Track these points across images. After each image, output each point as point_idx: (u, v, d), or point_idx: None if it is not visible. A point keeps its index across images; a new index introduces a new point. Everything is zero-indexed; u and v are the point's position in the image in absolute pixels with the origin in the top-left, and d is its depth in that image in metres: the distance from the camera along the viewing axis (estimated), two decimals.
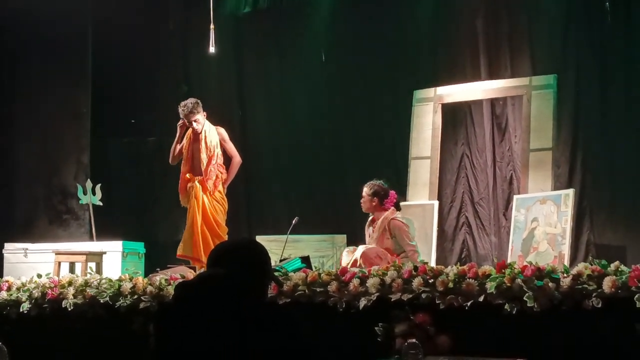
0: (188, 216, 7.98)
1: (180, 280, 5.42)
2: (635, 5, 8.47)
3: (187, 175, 8.00)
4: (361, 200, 7.59)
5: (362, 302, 5.18)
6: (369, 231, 7.62)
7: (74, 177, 9.99)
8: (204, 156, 7.89)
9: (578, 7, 8.77)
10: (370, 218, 7.65)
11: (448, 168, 9.31)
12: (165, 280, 6.11)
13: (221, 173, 7.98)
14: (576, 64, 8.75)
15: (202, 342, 2.73)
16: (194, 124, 7.90)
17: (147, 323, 5.76)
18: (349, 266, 6.75)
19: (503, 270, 4.91)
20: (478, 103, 9.17)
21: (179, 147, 8.08)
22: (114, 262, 8.41)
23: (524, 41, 9.05)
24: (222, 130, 8.11)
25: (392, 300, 5.09)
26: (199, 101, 7.97)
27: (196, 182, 7.91)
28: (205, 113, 7.99)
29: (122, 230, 9.23)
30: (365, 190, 7.55)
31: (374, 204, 7.51)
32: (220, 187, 8.00)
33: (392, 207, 7.52)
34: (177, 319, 2.82)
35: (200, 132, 7.94)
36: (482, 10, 9.24)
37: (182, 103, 7.96)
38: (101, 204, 9.03)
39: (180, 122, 8.04)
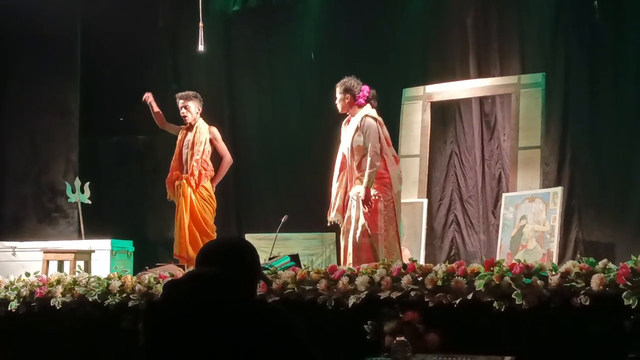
0: (176, 215, 7.98)
1: (169, 279, 5.42)
2: (624, 3, 8.51)
3: (175, 173, 8.03)
4: (335, 102, 7.22)
5: (351, 300, 5.18)
6: (344, 128, 7.26)
7: (62, 175, 9.97)
8: (188, 151, 7.94)
9: (567, 6, 8.81)
10: (347, 118, 7.28)
11: (437, 166, 9.33)
12: (154, 278, 6.10)
13: (205, 170, 7.99)
14: (565, 62, 8.78)
15: (191, 340, 2.73)
16: (183, 110, 7.95)
17: (136, 321, 5.75)
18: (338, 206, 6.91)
19: (492, 268, 4.91)
20: (467, 101, 9.19)
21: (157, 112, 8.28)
22: (102, 260, 8.40)
23: (513, 39, 9.08)
24: (215, 130, 8.14)
25: (381, 298, 5.09)
26: (199, 96, 8.09)
27: (184, 180, 7.93)
28: (200, 110, 8.03)
29: (111, 228, 9.22)
30: (337, 89, 7.19)
31: (347, 101, 7.12)
32: (207, 184, 8.00)
33: (368, 104, 7.12)
34: (166, 318, 2.82)
35: (193, 128, 7.98)
36: (472, 8, 9.27)
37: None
38: (90, 202, 9.01)
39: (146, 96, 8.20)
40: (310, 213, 9.57)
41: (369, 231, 6.77)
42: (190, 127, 8.05)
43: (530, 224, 7.92)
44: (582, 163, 8.65)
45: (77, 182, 8.92)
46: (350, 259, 6.82)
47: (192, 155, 7.94)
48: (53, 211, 9.97)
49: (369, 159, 6.83)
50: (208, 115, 8.39)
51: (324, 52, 10.05)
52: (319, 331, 5.12)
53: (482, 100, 9.13)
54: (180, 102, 8.02)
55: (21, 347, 6.28)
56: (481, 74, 9.09)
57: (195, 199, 7.92)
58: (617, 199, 8.40)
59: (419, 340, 4.76)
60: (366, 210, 6.76)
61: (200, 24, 8.39)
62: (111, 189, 10.53)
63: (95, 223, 9.11)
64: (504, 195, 8.43)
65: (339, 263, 7.92)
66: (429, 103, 9.05)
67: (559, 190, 7.95)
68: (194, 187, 7.91)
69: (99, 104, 10.46)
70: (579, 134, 8.68)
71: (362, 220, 6.80)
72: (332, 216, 7.16)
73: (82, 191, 8.86)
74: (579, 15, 8.73)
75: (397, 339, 4.21)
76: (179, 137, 8.13)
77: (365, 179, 6.77)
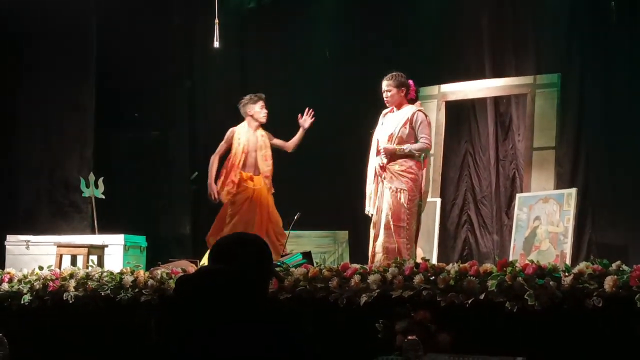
0: (243, 213, 7.99)
1: (181, 275, 5.43)
2: None
3: (248, 174, 8.04)
4: (386, 96, 7.09)
5: (363, 299, 5.18)
6: (383, 118, 7.23)
7: (77, 170, 9.97)
8: (267, 153, 8.13)
9: (583, 6, 8.76)
10: (387, 110, 7.23)
11: (451, 166, 9.31)
12: (167, 274, 6.12)
13: (271, 170, 8.15)
14: (580, 63, 8.75)
15: (202, 337, 2.73)
16: (264, 111, 8.14)
17: (148, 316, 5.76)
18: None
19: (504, 269, 4.91)
20: (482, 101, 9.17)
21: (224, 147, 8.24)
22: (115, 255, 8.41)
23: (529, 40, 9.06)
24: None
25: (393, 297, 5.09)
26: None
27: (263, 181, 8.07)
28: None
29: (124, 223, 9.23)
30: (389, 83, 7.08)
31: (402, 94, 7.05)
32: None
33: (418, 100, 7.18)
34: (178, 313, 2.82)
35: (256, 130, 8.13)
36: (487, 8, 9.25)
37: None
38: (104, 197, 9.04)
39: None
40: (323, 211, 9.58)
41: (392, 223, 6.78)
42: (255, 129, 8.16)
43: (543, 225, 7.90)
44: (597, 164, 8.62)
45: (92, 177, 8.95)
46: (378, 249, 6.83)
47: (265, 157, 8.11)
48: (67, 206, 9.99)
49: (420, 144, 6.89)
50: (222, 113, 8.41)
51: (338, 50, 10.04)
52: (330, 329, 5.12)
53: (497, 100, 9.11)
54: (260, 103, 8.14)
55: (33, 340, 6.31)
56: (496, 73, 9.07)
57: (270, 201, 8.03)
58: (631, 201, 8.36)
59: (431, 339, 4.76)
60: (381, 162, 6.84)
61: (216, 21, 8.40)
62: (125, 183, 10.54)
63: (109, 218, 9.13)
64: (518, 195, 8.41)
65: (352, 260, 7.91)
66: (444, 102, 9.04)
67: (573, 191, 7.92)
68: (269, 188, 8.08)
69: (113, 100, 10.47)
70: (594, 135, 8.65)
71: (385, 212, 6.81)
72: (367, 208, 7.13)
73: (96, 186, 8.89)
74: (594, 16, 8.69)
75: (409, 338, 4.21)
76: (241, 136, 8.12)
77: (404, 147, 6.82)
